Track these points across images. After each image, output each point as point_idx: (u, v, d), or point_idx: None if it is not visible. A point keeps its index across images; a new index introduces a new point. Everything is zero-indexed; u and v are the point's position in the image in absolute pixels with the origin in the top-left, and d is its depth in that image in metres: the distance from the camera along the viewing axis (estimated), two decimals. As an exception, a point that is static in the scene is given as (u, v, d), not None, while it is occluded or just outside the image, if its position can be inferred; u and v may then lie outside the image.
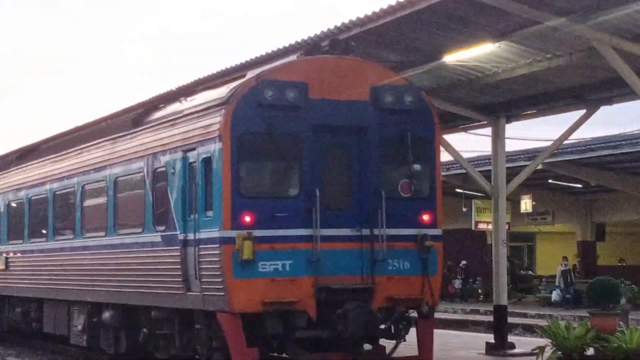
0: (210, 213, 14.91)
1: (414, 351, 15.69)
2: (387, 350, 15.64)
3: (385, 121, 15.37)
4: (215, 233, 14.67)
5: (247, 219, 14.51)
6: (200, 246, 15.06)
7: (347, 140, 15.32)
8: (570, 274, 39.92)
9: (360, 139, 15.28)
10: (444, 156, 31.82)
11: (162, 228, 16.31)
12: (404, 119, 15.49)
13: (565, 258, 41.02)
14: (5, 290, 24.96)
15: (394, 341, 15.56)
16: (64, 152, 21.65)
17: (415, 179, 15.65)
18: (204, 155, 15.02)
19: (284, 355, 15.16)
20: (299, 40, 16.02)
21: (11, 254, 24.29)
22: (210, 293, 14.83)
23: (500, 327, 20.06)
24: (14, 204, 24.55)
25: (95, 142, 19.87)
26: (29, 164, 24.19)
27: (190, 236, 15.34)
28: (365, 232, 15.13)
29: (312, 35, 15.93)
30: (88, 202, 19.79)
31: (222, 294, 14.49)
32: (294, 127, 14.85)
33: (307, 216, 14.73)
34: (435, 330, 25.95)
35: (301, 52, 15.66)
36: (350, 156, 15.31)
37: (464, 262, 46.61)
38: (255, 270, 14.48)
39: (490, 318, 25.37)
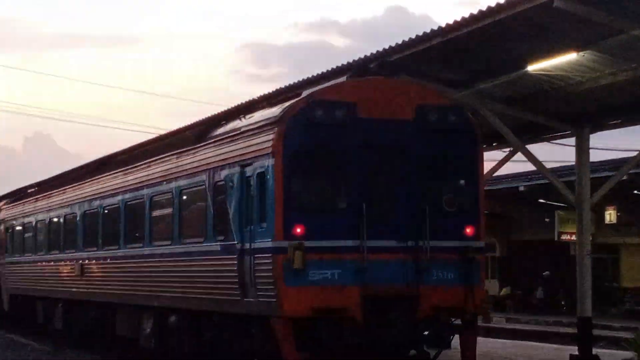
0: (264, 224, 15.74)
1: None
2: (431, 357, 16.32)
3: (429, 139, 16.12)
4: (268, 243, 15.53)
5: (298, 230, 15.31)
6: (255, 255, 15.90)
7: (393, 157, 16.06)
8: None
9: (405, 155, 16.04)
10: (527, 166, 31.65)
11: (222, 238, 17.21)
12: (448, 137, 16.25)
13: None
14: (81, 295, 26.15)
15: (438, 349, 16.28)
16: (134, 165, 22.73)
17: (458, 194, 16.41)
18: (258, 170, 15.91)
19: None
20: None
21: (86, 261, 25.38)
22: (264, 299, 15.67)
23: (584, 339, 19.90)
24: (88, 214, 25.62)
25: (162, 155, 20.89)
26: (102, 176, 25.34)
27: (247, 246, 16.19)
28: (411, 243, 15.82)
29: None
30: (156, 213, 20.81)
31: (275, 300, 15.32)
32: (342, 145, 15.67)
33: (355, 228, 15.46)
34: (518, 342, 26.73)
35: (350, 73, 16.58)
36: (396, 172, 16.02)
37: (547, 272, 46.89)
38: (306, 278, 15.27)
39: (574, 330, 24.77)
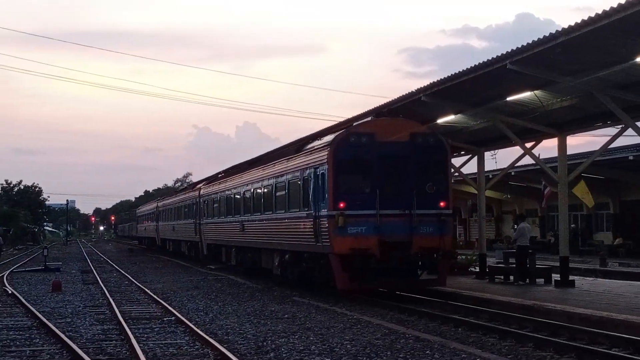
0: (324, 202, 21.03)
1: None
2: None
3: (418, 152, 21.09)
4: (326, 212, 20.90)
5: (341, 205, 20.53)
6: (320, 219, 21.26)
7: (397, 163, 20.93)
8: None
9: (404, 162, 20.98)
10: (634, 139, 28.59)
11: (306, 209, 22.43)
12: (429, 150, 21.19)
13: None
14: (244, 243, 31.53)
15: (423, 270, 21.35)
16: (267, 164, 28.18)
17: (435, 182, 21.21)
18: (322, 171, 21.30)
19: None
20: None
21: (245, 222, 30.27)
22: (325, 244, 21.04)
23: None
24: (246, 192, 30.56)
25: (281, 159, 26.37)
26: (252, 169, 30.73)
27: (317, 214, 21.47)
28: (407, 211, 20.71)
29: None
30: (278, 193, 25.89)
31: (330, 244, 20.73)
32: (367, 157, 20.84)
33: (374, 203, 20.49)
34: (630, 282, 25.48)
35: (373, 114, 22.12)
36: (398, 171, 20.90)
37: None
38: (346, 232, 20.38)
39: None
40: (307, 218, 22.48)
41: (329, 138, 22.59)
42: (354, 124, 22.37)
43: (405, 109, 22.80)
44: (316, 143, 23.68)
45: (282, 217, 25.40)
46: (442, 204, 21.30)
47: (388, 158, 21.01)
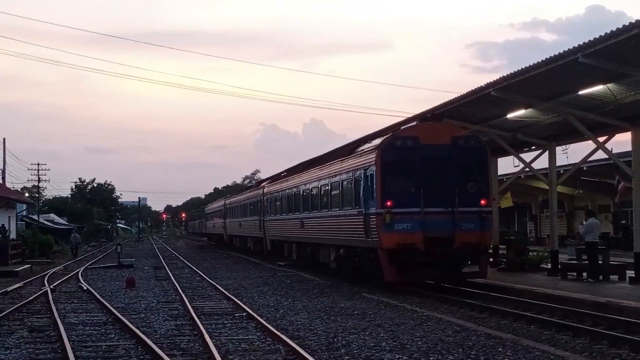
0: (373, 200, 22.73)
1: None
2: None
3: (459, 154, 22.66)
4: (374, 210, 22.61)
5: (389, 203, 22.18)
6: (370, 216, 22.95)
7: (439, 164, 22.50)
8: None
9: (446, 163, 22.58)
10: None
11: (357, 207, 24.19)
12: (470, 152, 22.76)
13: None
14: (303, 239, 33.23)
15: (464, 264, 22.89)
16: (323, 164, 30.11)
17: (476, 182, 22.74)
18: (370, 172, 23.08)
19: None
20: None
21: (305, 219, 31.93)
22: (374, 239, 22.73)
23: None
24: (304, 191, 32.42)
25: (335, 160, 28.27)
26: (310, 169, 32.66)
27: (366, 211, 23.17)
28: (450, 209, 22.27)
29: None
30: (333, 192, 27.67)
31: (378, 239, 22.46)
32: (412, 158, 22.49)
33: (419, 201, 22.11)
34: None
35: (418, 120, 23.88)
36: (441, 172, 22.47)
37: None
38: (393, 228, 22.04)
39: None
40: (358, 215, 24.23)
41: (377, 141, 24.43)
42: (401, 128, 24.15)
43: (469, 106, 23.50)
44: (366, 146, 25.51)
45: (337, 215, 27.21)
46: (482, 202, 22.86)
47: (431, 159, 22.60)
